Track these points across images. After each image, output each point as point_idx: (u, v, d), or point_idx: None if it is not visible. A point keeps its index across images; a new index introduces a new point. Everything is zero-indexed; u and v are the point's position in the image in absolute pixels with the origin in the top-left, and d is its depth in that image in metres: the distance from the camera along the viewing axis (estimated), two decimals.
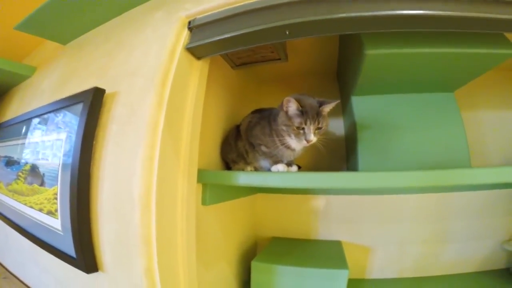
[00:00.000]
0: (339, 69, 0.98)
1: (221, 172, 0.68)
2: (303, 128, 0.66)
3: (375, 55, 0.66)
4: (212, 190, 0.71)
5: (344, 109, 1.02)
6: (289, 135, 0.68)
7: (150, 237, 0.51)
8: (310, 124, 0.65)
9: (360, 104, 0.86)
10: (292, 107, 0.67)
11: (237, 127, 0.84)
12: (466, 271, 0.97)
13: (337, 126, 1.06)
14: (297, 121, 0.65)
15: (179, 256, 0.55)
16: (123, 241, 0.55)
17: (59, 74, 0.88)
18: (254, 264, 0.81)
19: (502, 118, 1.00)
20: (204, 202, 0.69)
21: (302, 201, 1.08)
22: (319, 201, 1.06)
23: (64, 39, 0.90)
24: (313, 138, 0.65)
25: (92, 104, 0.63)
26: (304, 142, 0.66)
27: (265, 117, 0.76)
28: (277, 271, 0.79)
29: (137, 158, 0.54)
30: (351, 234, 1.03)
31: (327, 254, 0.89)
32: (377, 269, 1.01)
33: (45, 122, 0.80)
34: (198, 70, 0.66)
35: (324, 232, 1.06)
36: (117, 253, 0.57)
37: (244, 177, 0.63)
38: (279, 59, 0.87)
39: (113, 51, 0.73)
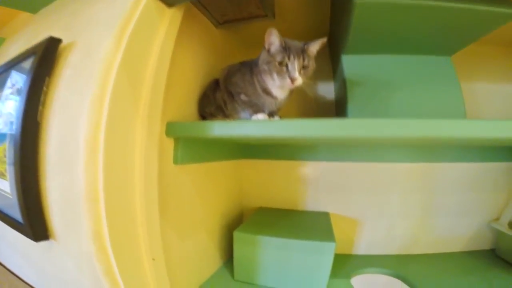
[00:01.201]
0: (331, 32, 0.87)
1: (193, 123, 0.56)
2: (286, 65, 0.55)
3: (365, 3, 0.56)
4: (185, 147, 0.59)
5: (334, 73, 0.91)
6: (271, 75, 0.56)
7: (97, 193, 0.39)
8: (294, 59, 0.54)
9: (351, 63, 0.76)
10: (275, 42, 0.56)
11: (217, 80, 0.72)
12: (453, 250, 0.90)
13: (327, 91, 0.95)
14: (279, 56, 0.55)
15: (138, 219, 0.44)
16: (69, 198, 0.43)
17: (25, 40, 0.76)
18: (236, 235, 0.71)
19: (499, 92, 0.91)
20: (175, 161, 0.57)
21: (290, 169, 0.97)
22: (308, 169, 0.96)
23: (33, 8, 0.79)
24: (298, 76, 0.54)
25: (44, 52, 0.51)
26: (288, 81, 0.55)
27: (246, 65, 0.64)
28: (261, 242, 0.69)
29: (86, 97, 0.42)
30: (340, 206, 0.93)
31: (314, 225, 0.79)
32: (365, 245, 0.93)
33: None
34: (168, 18, 0.54)
35: (312, 202, 0.96)
36: (65, 215, 0.45)
37: (220, 127, 0.51)
38: (266, 15, 0.76)
39: (78, 10, 0.62)
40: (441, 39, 0.69)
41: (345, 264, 0.84)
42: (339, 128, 0.43)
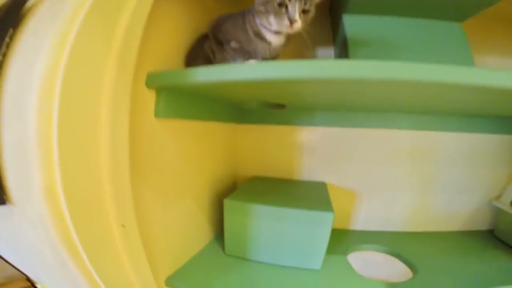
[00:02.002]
0: None
1: (174, 70, 0.45)
2: (286, 6, 0.45)
3: None
4: (169, 98, 0.50)
5: (334, 37, 0.81)
6: (268, 17, 0.47)
7: (50, 140, 0.30)
8: (296, 0, 0.45)
9: (353, 23, 0.66)
10: None
11: (205, 34, 0.62)
12: (450, 230, 0.85)
13: (327, 56, 0.85)
14: None
15: (103, 176, 0.35)
16: (22, 150, 0.33)
17: None
18: (227, 203, 0.63)
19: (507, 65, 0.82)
20: (157, 113, 0.48)
21: (286, 134, 0.88)
22: (305, 134, 0.87)
23: None
24: (297, 18, 0.45)
25: (10, 5, 0.43)
26: (287, 23, 0.45)
27: (238, 13, 0.55)
28: (254, 211, 0.61)
29: (48, 36, 0.33)
30: (337, 175, 0.86)
31: (310, 195, 0.71)
32: (362, 220, 0.86)
33: None
34: None
35: (309, 171, 0.88)
36: (18, 173, 0.36)
37: (205, 72, 0.41)
38: None
39: None
40: (451, 2, 0.61)
41: (341, 240, 0.77)
42: (338, 69, 0.34)
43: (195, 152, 0.65)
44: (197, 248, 0.68)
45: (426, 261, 0.66)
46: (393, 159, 0.83)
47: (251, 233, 0.63)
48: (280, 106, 0.79)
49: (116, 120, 0.37)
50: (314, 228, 0.58)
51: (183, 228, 0.61)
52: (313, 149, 0.87)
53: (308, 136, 0.87)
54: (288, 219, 0.60)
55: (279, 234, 0.61)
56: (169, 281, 0.55)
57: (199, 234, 0.69)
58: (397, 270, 0.67)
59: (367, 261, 0.75)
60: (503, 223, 0.78)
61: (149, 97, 0.47)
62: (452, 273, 0.60)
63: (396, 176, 0.84)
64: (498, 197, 0.82)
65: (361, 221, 0.86)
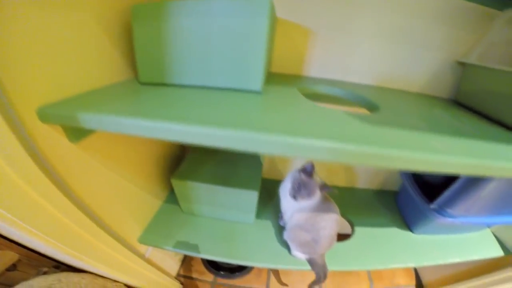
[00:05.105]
0: None
1: None
2: None
3: None
4: None
5: None
6: None
7: None
8: None
9: None
10: None
11: None
12: (410, 90, 0.73)
13: None
14: None
15: None
16: None
17: None
18: (136, 7, 0.42)
19: None
20: None
21: None
22: None
23: None
24: None
25: None
26: None
27: None
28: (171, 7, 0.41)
29: None
30: (289, 9, 0.64)
31: None
32: (318, 66, 0.71)
33: None
34: None
35: None
36: None
37: None
38: None
39: None
40: None
41: (292, 83, 0.61)
42: None
43: None
44: (104, 80, 0.47)
45: (389, 104, 0.53)
46: (359, 3, 0.64)
47: (170, 42, 0.43)
48: None
49: None
50: (248, 22, 0.39)
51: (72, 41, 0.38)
52: None
53: None
54: (213, 12, 0.40)
55: (204, 39, 0.43)
56: (43, 111, 0.34)
57: (104, 63, 0.47)
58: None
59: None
60: (468, 81, 0.67)
61: None
62: (422, 117, 0.47)
63: (358, 19, 0.66)
64: (466, 54, 0.69)
65: (316, 68, 0.71)
